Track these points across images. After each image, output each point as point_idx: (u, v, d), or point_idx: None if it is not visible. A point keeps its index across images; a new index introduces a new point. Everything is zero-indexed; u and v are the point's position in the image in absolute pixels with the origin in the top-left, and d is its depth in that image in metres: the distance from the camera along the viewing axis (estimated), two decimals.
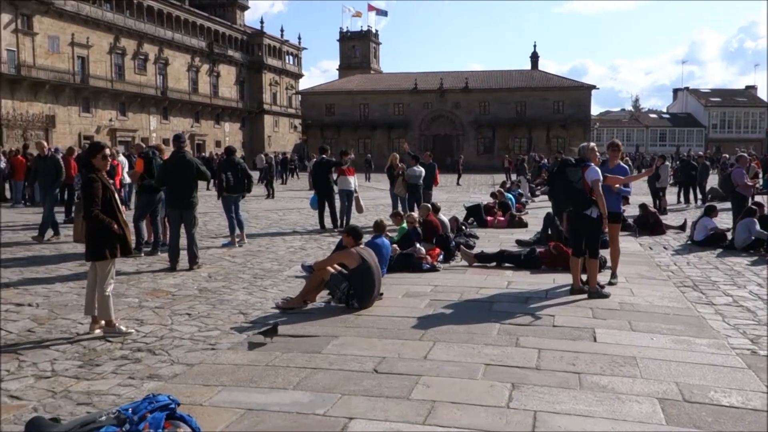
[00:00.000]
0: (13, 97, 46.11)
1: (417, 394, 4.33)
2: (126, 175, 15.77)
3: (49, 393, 4.41)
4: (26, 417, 3.89)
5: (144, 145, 16.80)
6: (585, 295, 7.28)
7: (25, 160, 19.12)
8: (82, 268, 8.89)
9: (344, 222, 13.92)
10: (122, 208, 6.21)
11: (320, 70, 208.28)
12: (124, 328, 5.87)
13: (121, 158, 16.80)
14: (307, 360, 5.06)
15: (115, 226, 5.79)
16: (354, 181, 14.48)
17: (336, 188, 14.29)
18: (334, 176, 14.37)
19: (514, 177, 28.26)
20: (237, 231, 11.70)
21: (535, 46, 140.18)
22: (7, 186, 20.62)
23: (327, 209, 14.12)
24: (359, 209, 14.58)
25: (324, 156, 14.38)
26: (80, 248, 9.84)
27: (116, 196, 6.06)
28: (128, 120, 57.91)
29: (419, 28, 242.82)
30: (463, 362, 5.00)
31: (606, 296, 7.22)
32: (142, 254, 10.18)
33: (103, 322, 5.86)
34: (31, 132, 38.89)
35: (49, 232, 11.87)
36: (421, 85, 65.88)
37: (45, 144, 13.05)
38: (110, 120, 55.57)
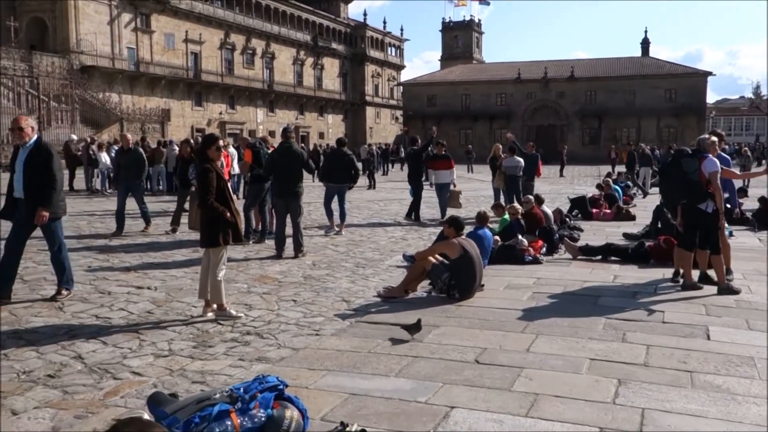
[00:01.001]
0: (133, 93, 48.98)
1: (519, 386, 4.29)
2: (235, 166, 16.42)
3: (166, 371, 4.68)
4: (147, 392, 4.16)
5: (249, 138, 17.39)
6: (698, 291, 6.95)
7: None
8: (195, 254, 9.36)
9: (442, 215, 13.63)
10: (234, 197, 6.48)
11: (422, 60, 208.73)
12: (234, 312, 6.13)
13: (231, 150, 17.47)
14: (408, 348, 5.11)
15: (228, 215, 6.05)
16: (451, 174, 14.04)
17: (432, 180, 14.17)
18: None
19: (622, 169, 27.20)
20: (337, 221, 11.98)
21: (646, 31, 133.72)
22: None
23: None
24: (456, 204, 14.03)
25: (414, 147, 14.43)
26: (193, 235, 10.39)
27: (229, 185, 6.34)
28: (237, 113, 60.19)
29: (523, 17, 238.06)
30: (567, 356, 4.91)
31: (737, 292, 6.85)
32: (251, 242, 10.58)
33: (215, 305, 6.14)
34: (149, 125, 41.12)
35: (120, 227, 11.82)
36: (525, 75, 64.62)
37: (128, 136, 12.66)
38: (220, 113, 57.96)
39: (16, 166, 6.52)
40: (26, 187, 6.45)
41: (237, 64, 60.77)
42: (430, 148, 14.39)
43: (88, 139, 23.36)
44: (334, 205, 12.09)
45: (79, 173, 22.01)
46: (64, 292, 6.75)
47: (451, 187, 14.08)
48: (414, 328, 5.30)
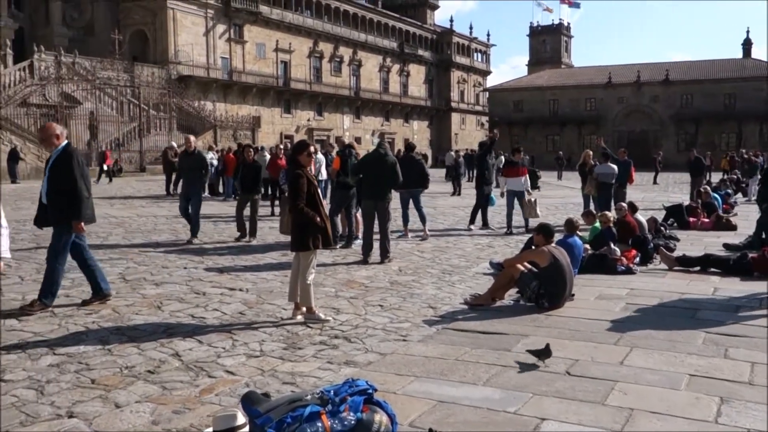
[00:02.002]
0: (226, 101, 50.75)
1: (613, 400, 4.15)
2: (323, 172, 16.71)
3: (258, 371, 4.80)
4: (240, 391, 4.28)
5: (334, 144, 17.58)
6: None
7: (235, 157, 21.00)
8: (284, 257, 9.58)
9: (508, 224, 13.12)
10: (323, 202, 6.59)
11: (509, 66, 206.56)
12: (322, 316, 6.23)
13: (319, 156, 17.78)
14: (496, 357, 5.04)
15: (318, 219, 6.16)
16: (524, 181, 13.39)
17: (504, 188, 13.71)
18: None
19: (724, 176, 25.93)
20: (411, 226, 12.09)
21: (747, 32, 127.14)
22: (220, 181, 22.87)
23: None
24: (532, 213, 13.20)
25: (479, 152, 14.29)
26: (283, 239, 10.64)
27: (319, 191, 6.45)
28: (324, 120, 61.32)
29: (614, 19, 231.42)
30: (664, 371, 4.71)
31: None
32: (337, 246, 10.73)
33: (304, 308, 6.25)
34: (240, 132, 42.47)
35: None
36: (616, 79, 62.80)
37: (192, 139, 12.12)
38: (308, 120, 59.23)
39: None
40: (47, 193, 6.44)
41: (325, 71, 61.95)
42: (507, 155, 14.09)
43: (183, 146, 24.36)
44: (410, 211, 12.21)
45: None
46: (38, 305, 6.35)
47: (526, 196, 13.43)
48: (543, 353, 4.84)
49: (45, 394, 4.27)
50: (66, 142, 6.59)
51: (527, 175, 13.81)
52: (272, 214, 15.91)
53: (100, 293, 6.76)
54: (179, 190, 11.71)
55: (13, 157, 27.67)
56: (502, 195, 13.75)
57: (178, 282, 7.92)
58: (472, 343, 5.42)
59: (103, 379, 4.56)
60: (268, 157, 18.92)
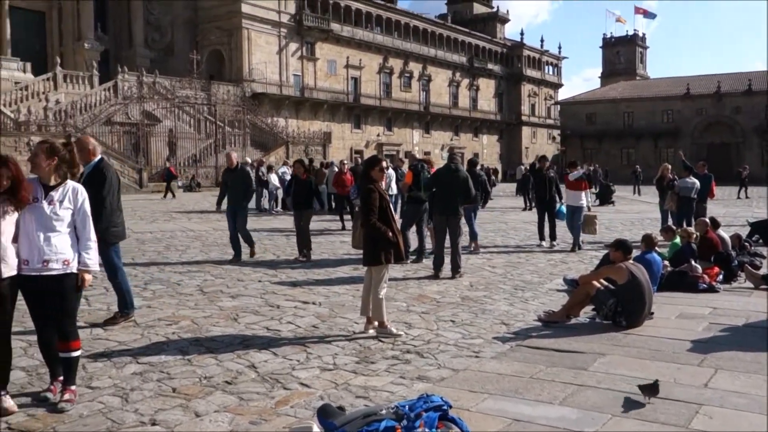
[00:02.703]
0: (298, 117, 51.81)
1: (697, 424, 3.99)
2: (393, 186, 16.81)
3: (332, 384, 4.85)
4: (314, 403, 4.33)
5: (404, 159, 17.58)
6: None
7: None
8: (355, 272, 9.66)
9: (575, 241, 12.58)
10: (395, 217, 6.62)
11: (581, 78, 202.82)
12: (394, 330, 6.23)
13: (390, 171, 17.90)
14: (573, 376, 4.93)
15: (390, 234, 6.19)
16: (584, 196, 12.76)
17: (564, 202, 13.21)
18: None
19: None
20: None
21: None
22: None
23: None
24: (591, 230, 12.73)
25: (537, 164, 13.96)
26: (354, 254, 10.73)
27: (391, 205, 6.48)
28: (393, 134, 61.70)
29: (692, 29, 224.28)
30: (752, 394, 4.49)
31: None
32: (408, 261, 10.74)
33: (376, 322, 6.28)
34: (312, 147, 43.21)
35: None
36: (694, 90, 60.80)
37: (233, 155, 11.63)
38: (378, 135, 59.73)
39: None
40: None
41: (395, 87, 62.43)
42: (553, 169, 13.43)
43: (257, 161, 24.97)
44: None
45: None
46: (121, 319, 6.55)
47: (585, 211, 12.87)
48: (650, 389, 4.38)
49: (129, 402, 4.43)
50: (100, 157, 6.44)
51: (588, 191, 13.28)
52: (342, 228, 16.07)
53: (124, 311, 6.65)
54: (223, 206, 11.43)
55: None
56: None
57: (253, 295, 8.09)
58: (547, 361, 5.31)
59: (183, 389, 4.70)
60: (336, 171, 19.17)
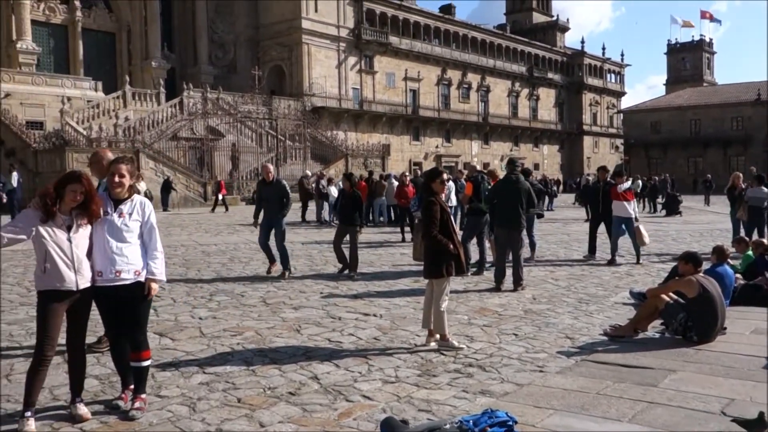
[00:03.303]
0: (357, 129, 52.29)
1: None
2: (453, 198, 16.74)
3: (394, 397, 4.84)
4: (377, 416, 4.33)
5: (463, 171, 17.41)
6: None
7: (366, 185, 21.54)
8: (415, 284, 9.65)
9: (612, 252, 12.20)
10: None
11: (645, 86, 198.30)
12: (456, 343, 6.18)
13: (449, 182, 17.83)
14: (641, 393, 4.78)
15: (451, 246, 6.16)
16: (631, 207, 12.23)
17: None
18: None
19: None
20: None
21: None
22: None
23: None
24: (641, 241, 12.14)
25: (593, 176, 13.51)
26: (414, 266, 10.70)
27: (452, 218, 6.45)
28: (452, 146, 61.55)
29: (762, 32, 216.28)
30: None
31: None
32: (469, 273, 10.65)
33: (437, 335, 6.24)
34: (371, 160, 43.47)
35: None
36: (766, 95, 58.44)
37: (270, 168, 11.17)
38: (436, 146, 59.69)
39: None
40: None
41: (453, 98, 62.34)
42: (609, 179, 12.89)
43: (318, 174, 25.30)
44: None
45: (311, 205, 23.89)
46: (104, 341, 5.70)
47: (634, 222, 12.23)
48: (755, 424, 3.81)
49: (196, 411, 4.53)
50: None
51: (635, 200, 12.78)
52: (402, 240, 16.08)
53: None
54: (260, 220, 11.02)
55: (166, 187, 29.63)
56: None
57: (314, 306, 8.17)
58: (614, 377, 5.17)
59: (248, 399, 4.77)
60: (395, 184, 19.23)
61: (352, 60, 52.87)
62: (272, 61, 50.83)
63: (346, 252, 10.84)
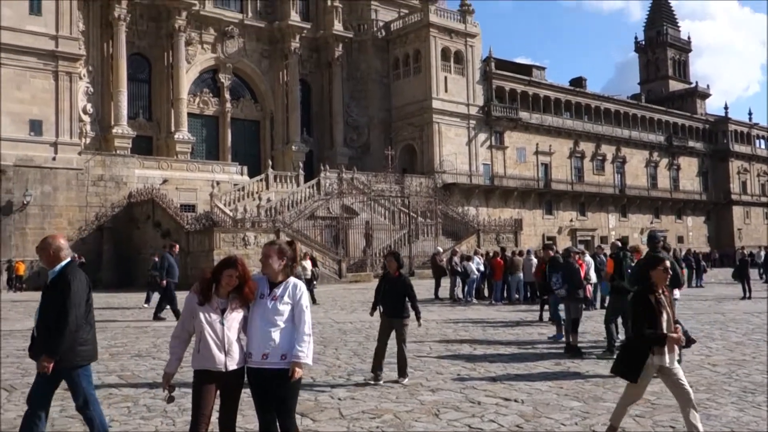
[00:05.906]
0: (488, 205, 52.08)
1: None
2: (592, 274, 16.10)
3: None
4: None
5: (602, 246, 16.69)
6: None
7: (503, 261, 21.23)
8: (556, 367, 9.20)
9: None
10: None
11: None
12: None
13: (587, 258, 17.22)
14: None
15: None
16: None
17: None
18: None
19: None
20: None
21: None
22: (485, 284, 23.10)
23: None
24: None
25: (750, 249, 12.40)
26: (554, 348, 10.26)
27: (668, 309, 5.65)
28: (587, 219, 59.63)
29: None
30: None
31: None
32: (614, 356, 10.04)
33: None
34: (503, 235, 42.94)
35: None
36: None
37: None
38: (570, 220, 58.05)
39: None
40: (37, 323, 5.18)
41: (587, 170, 60.83)
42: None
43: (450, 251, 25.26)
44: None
45: (445, 282, 23.78)
46: None
47: None
48: None
49: None
50: (68, 260, 5.23)
51: None
52: (540, 319, 15.53)
53: None
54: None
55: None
56: None
57: (452, 389, 7.98)
58: None
59: None
60: (534, 261, 18.82)
61: (482, 136, 53.29)
62: (404, 140, 52.30)
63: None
